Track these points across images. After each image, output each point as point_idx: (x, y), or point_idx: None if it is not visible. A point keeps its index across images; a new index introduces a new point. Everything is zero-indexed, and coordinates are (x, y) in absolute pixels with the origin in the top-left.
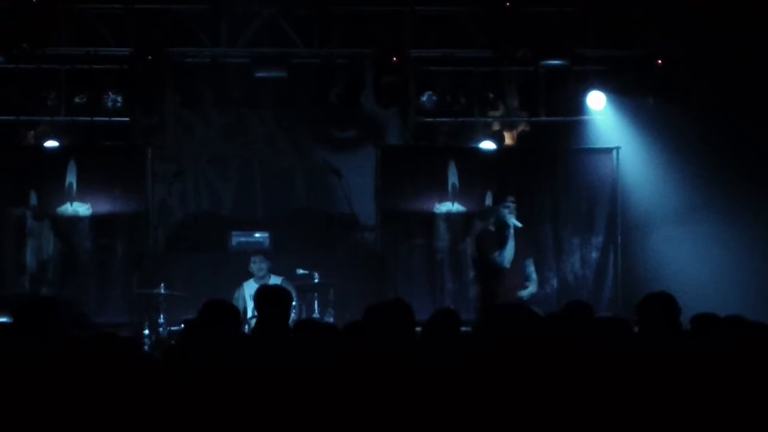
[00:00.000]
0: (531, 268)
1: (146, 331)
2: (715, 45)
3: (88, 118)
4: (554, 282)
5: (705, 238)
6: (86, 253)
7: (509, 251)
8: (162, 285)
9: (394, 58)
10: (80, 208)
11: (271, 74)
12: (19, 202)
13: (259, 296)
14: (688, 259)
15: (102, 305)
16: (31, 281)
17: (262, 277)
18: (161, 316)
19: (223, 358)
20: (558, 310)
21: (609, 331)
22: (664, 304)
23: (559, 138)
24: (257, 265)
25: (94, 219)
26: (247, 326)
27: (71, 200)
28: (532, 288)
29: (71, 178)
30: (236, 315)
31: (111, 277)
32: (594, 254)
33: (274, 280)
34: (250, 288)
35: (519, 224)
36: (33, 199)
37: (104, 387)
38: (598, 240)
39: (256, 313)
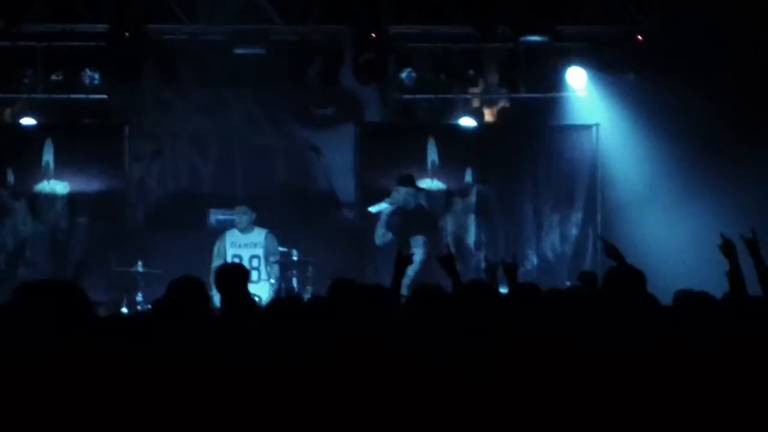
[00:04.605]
0: (416, 249)
1: (124, 309)
2: (695, 21)
3: (66, 96)
4: (534, 259)
5: (685, 214)
6: (64, 232)
7: (376, 230)
8: (140, 263)
9: (373, 35)
10: (57, 186)
11: (250, 51)
12: None
13: (218, 276)
14: (668, 235)
15: (80, 283)
16: (9, 261)
17: (245, 228)
18: (139, 294)
19: (188, 341)
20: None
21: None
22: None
23: (539, 115)
24: (239, 216)
25: (72, 197)
26: None
27: (48, 178)
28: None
29: (48, 156)
30: (204, 293)
31: (89, 256)
32: (574, 231)
33: (258, 231)
34: (232, 236)
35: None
36: (10, 177)
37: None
38: (577, 217)
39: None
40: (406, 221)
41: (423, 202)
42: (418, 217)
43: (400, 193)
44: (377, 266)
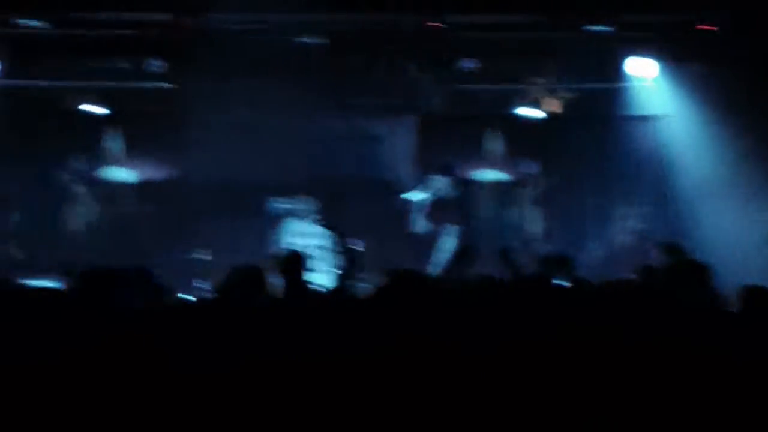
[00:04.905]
0: (445, 237)
1: (188, 296)
2: (762, 10)
3: (132, 84)
4: (599, 251)
5: (754, 207)
6: (129, 219)
7: (413, 220)
8: (202, 250)
9: (435, 24)
10: (124, 174)
11: (310, 41)
12: (64, 168)
13: (278, 263)
14: (736, 229)
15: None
16: (75, 247)
17: (306, 218)
18: (202, 281)
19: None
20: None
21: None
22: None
23: (603, 105)
24: (300, 205)
25: (138, 184)
26: None
27: (115, 165)
28: (434, 257)
29: (114, 144)
30: (262, 280)
31: (153, 243)
32: (638, 223)
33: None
34: (292, 225)
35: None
36: (76, 164)
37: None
38: (643, 209)
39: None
40: (440, 210)
41: (461, 191)
42: (452, 207)
43: (437, 181)
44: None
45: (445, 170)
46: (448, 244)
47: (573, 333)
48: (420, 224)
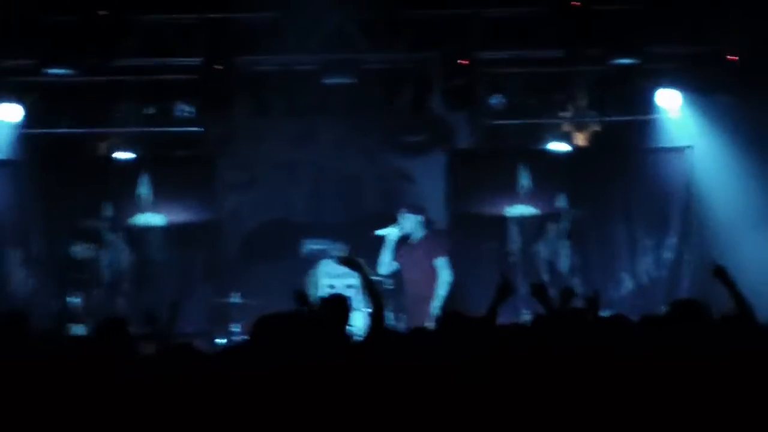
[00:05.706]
0: (443, 271)
1: (222, 340)
2: None
3: (159, 129)
4: (629, 283)
5: None
6: (161, 264)
7: (381, 258)
8: (235, 294)
9: (462, 61)
10: (153, 219)
11: (340, 80)
12: (93, 214)
13: (322, 304)
14: (765, 259)
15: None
16: (107, 293)
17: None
18: (235, 324)
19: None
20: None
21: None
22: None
23: (630, 137)
24: (335, 246)
25: (168, 229)
26: None
27: (144, 211)
28: (440, 291)
29: (144, 189)
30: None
31: (186, 287)
32: (668, 255)
33: None
34: (327, 266)
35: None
36: (107, 210)
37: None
38: (672, 240)
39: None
40: (416, 251)
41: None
42: (433, 242)
43: (409, 220)
44: (471, 294)
45: (416, 209)
46: (444, 277)
47: (617, 366)
48: (388, 264)
